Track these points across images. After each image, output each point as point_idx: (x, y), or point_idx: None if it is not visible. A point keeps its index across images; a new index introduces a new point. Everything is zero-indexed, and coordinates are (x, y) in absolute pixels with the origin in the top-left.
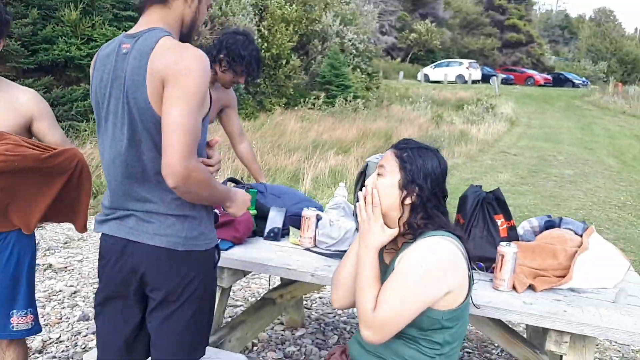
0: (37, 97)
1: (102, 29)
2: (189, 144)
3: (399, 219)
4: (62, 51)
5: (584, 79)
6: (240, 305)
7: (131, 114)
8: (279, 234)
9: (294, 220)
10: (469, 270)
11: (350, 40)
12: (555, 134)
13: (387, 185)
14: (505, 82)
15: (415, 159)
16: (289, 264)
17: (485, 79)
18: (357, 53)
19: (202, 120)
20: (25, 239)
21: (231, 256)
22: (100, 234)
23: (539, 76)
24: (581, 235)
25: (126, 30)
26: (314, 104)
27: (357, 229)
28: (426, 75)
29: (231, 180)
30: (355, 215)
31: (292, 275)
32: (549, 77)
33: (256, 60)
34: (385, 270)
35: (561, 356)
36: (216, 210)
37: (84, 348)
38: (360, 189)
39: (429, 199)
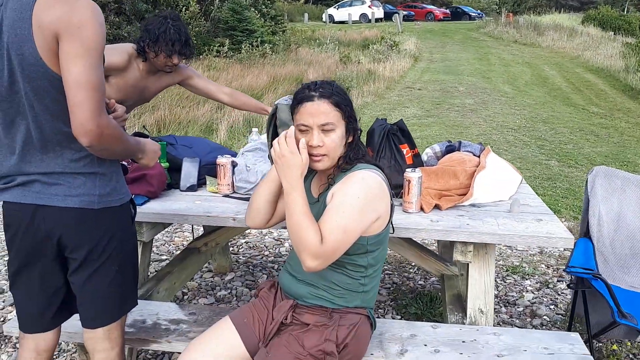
0: None
1: None
2: (98, 101)
3: (339, 158)
4: None
5: (479, 11)
6: (166, 260)
7: (17, 72)
8: (195, 185)
9: (209, 170)
10: (391, 199)
11: None
12: (455, 67)
13: (339, 137)
14: (406, 18)
15: (344, 99)
16: (209, 212)
17: (388, 16)
18: None
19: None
20: None
21: (149, 210)
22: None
23: (438, 11)
24: (479, 156)
25: None
26: (219, 52)
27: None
28: (331, 16)
29: (138, 134)
30: (270, 157)
31: (213, 222)
32: (448, 11)
33: (179, 37)
34: (313, 204)
35: (467, 265)
36: (124, 163)
37: (2, 321)
38: (274, 133)
39: (357, 132)
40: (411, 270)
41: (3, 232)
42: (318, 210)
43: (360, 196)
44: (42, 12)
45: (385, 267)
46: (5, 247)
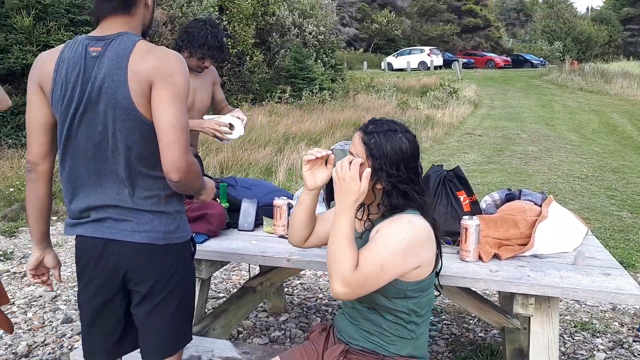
0: None
1: (58, 34)
2: (186, 140)
3: (372, 202)
4: (18, 59)
5: (541, 59)
6: (223, 297)
7: (108, 114)
8: (252, 225)
9: (266, 210)
10: (438, 249)
11: (310, 33)
12: (517, 113)
13: (362, 174)
14: (466, 66)
15: (382, 144)
16: (265, 252)
17: (447, 64)
18: (319, 45)
19: None
20: None
21: (208, 248)
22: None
23: (498, 59)
24: (540, 205)
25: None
26: (280, 98)
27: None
28: (389, 64)
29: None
30: (324, 200)
31: (268, 261)
32: (509, 59)
33: (214, 42)
34: (357, 237)
35: (529, 318)
36: None
37: (69, 349)
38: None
39: (400, 182)
40: (471, 321)
41: (74, 264)
42: (359, 246)
43: (406, 238)
44: (138, 61)
45: (444, 317)
46: (76, 278)
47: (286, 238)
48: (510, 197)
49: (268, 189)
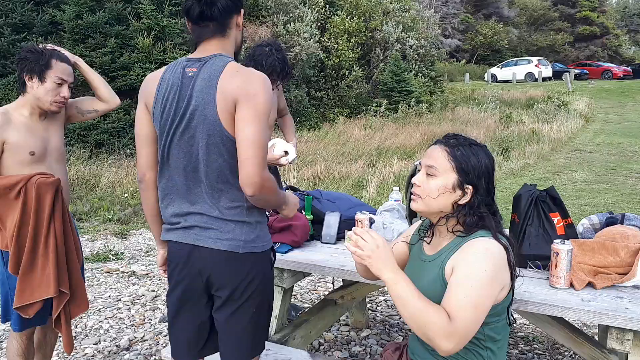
0: None
1: (172, 52)
2: (263, 158)
3: (447, 217)
4: (138, 76)
5: None
6: (307, 307)
7: (199, 129)
8: (334, 238)
9: (348, 224)
10: (512, 269)
11: (411, 47)
12: (636, 129)
13: (439, 186)
14: (579, 77)
15: (469, 157)
16: (344, 265)
17: (557, 75)
18: (419, 58)
19: None
20: None
21: (291, 259)
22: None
23: (617, 69)
24: None
25: None
26: (376, 111)
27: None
28: (493, 76)
29: (291, 188)
30: (407, 217)
31: (346, 275)
32: (629, 69)
33: (281, 67)
34: (429, 262)
35: (626, 355)
36: (267, 213)
37: (164, 346)
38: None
39: (483, 198)
40: (566, 352)
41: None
42: (431, 271)
43: (488, 269)
44: (226, 81)
45: (536, 346)
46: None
47: None
48: (611, 222)
49: (351, 202)
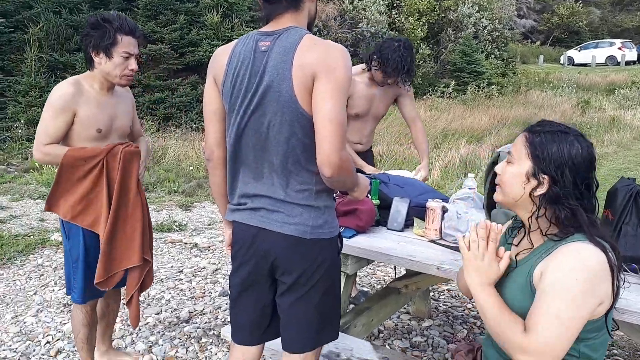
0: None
1: (240, 30)
2: (342, 136)
3: (532, 213)
4: (206, 52)
5: None
6: (366, 291)
7: (271, 106)
8: (402, 225)
9: (417, 211)
10: (616, 279)
11: (484, 28)
12: None
13: (514, 174)
14: None
15: (547, 145)
16: (413, 255)
17: None
18: (492, 39)
19: None
20: None
21: (355, 244)
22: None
23: None
24: None
25: None
26: (443, 92)
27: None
28: (570, 58)
29: (357, 170)
30: (484, 207)
31: (415, 266)
32: None
33: (403, 65)
34: (516, 267)
35: None
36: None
37: (223, 321)
38: (492, 181)
39: (567, 193)
40: None
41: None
42: (519, 277)
43: (580, 278)
44: (303, 54)
45: (615, 351)
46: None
47: (437, 243)
48: None
49: (422, 189)
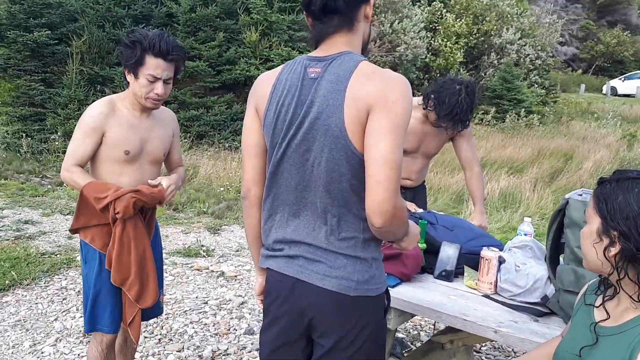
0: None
1: (278, 49)
2: (397, 181)
3: (613, 276)
4: (243, 71)
5: None
6: (402, 338)
7: (318, 141)
8: (451, 275)
9: (468, 259)
10: None
11: (527, 56)
12: None
13: (585, 234)
14: None
15: (613, 195)
16: (466, 314)
17: None
18: (534, 67)
19: None
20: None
21: (399, 295)
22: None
23: None
24: None
25: (300, 51)
26: (481, 119)
27: (549, 279)
28: (613, 88)
29: None
30: (546, 260)
31: (470, 327)
32: None
33: (459, 112)
34: (608, 335)
35: None
36: None
37: None
38: (558, 232)
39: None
40: None
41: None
42: (614, 350)
43: None
44: (358, 84)
45: None
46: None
47: (492, 299)
48: None
49: (473, 233)
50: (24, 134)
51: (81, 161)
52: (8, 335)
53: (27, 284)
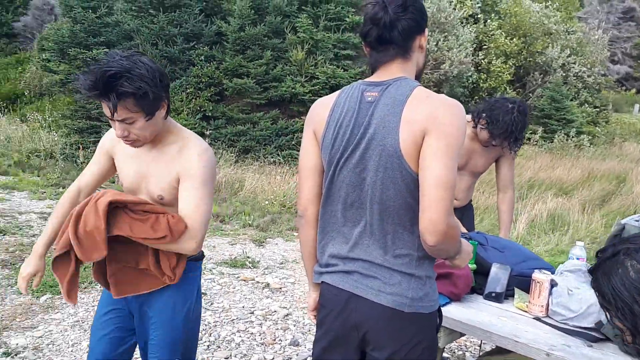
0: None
1: (323, 67)
2: (450, 201)
3: None
4: (289, 88)
5: None
6: (447, 358)
7: (373, 160)
8: (502, 296)
9: (519, 281)
10: None
11: (576, 75)
12: None
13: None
14: None
15: (603, 288)
16: (517, 335)
17: None
18: (583, 85)
19: None
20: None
21: (448, 314)
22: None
23: None
24: None
25: (344, 69)
26: (529, 139)
27: None
28: None
29: None
30: None
31: (521, 349)
32: None
33: (513, 130)
34: None
35: None
36: None
37: None
38: None
39: None
40: None
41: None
42: None
43: None
44: (414, 107)
45: None
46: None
47: (543, 321)
48: None
49: (524, 255)
50: (80, 146)
51: (84, 183)
52: (67, 335)
53: (85, 287)
